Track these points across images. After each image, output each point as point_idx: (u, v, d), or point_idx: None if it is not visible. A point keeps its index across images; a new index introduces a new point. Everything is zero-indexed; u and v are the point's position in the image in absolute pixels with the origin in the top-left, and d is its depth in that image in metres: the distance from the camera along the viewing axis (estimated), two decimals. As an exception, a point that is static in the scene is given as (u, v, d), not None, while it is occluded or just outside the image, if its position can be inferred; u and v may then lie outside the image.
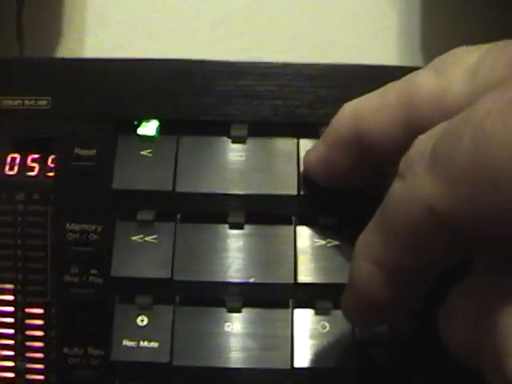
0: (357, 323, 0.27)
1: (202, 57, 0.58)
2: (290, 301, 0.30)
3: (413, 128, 0.24)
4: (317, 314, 0.30)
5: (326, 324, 0.30)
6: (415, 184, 0.20)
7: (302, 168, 0.30)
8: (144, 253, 0.30)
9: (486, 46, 0.23)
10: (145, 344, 0.30)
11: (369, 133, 0.25)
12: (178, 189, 0.29)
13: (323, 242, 0.30)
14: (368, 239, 0.23)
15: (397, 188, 0.21)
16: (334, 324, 0.30)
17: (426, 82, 0.23)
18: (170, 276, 0.29)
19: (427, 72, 0.24)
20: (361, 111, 0.26)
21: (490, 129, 0.17)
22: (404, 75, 0.29)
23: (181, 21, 0.61)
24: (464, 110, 0.20)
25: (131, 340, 0.30)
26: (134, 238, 0.30)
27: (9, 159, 0.31)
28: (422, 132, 0.23)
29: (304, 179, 0.30)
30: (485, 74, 0.22)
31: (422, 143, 0.21)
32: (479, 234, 0.20)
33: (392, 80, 0.29)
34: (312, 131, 0.30)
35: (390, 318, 0.25)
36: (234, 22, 0.61)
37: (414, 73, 0.25)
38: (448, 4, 0.61)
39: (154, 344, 0.30)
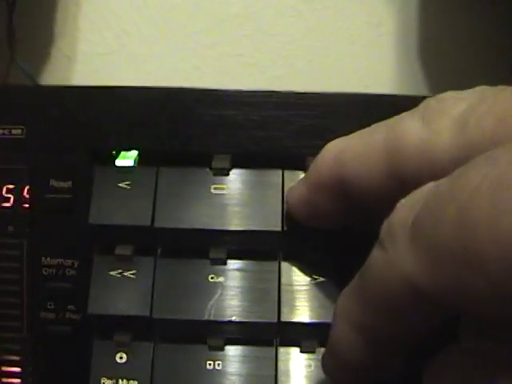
0: (336, 381, 0.25)
1: (197, 62, 0.56)
2: (274, 339, 0.28)
3: (398, 176, 0.22)
4: (302, 352, 0.28)
5: (312, 363, 0.28)
6: (395, 255, 0.19)
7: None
8: (122, 288, 0.28)
9: (477, 91, 0.21)
10: (124, 382, 0.28)
11: (352, 178, 0.24)
12: (157, 224, 0.27)
13: (308, 279, 0.28)
14: (347, 302, 0.22)
15: (377, 257, 0.20)
16: (320, 362, 0.28)
17: (413, 131, 0.22)
18: (149, 314, 0.27)
19: (414, 118, 0.22)
20: (344, 155, 0.24)
21: (477, 209, 0.16)
22: (393, 104, 0.27)
23: (174, 25, 0.58)
24: (449, 175, 0.18)
25: (110, 378, 0.28)
26: (111, 272, 0.28)
27: (-17, 190, 0.29)
28: (408, 181, 0.21)
29: (289, 213, 0.28)
30: (474, 128, 0.20)
31: (404, 211, 0.19)
32: (462, 310, 0.18)
33: (380, 109, 0.27)
34: (297, 162, 0.28)
35: (369, 381, 0.23)
36: (229, 28, 0.58)
37: (401, 116, 0.23)
38: (446, 8, 0.59)
39: (133, 382, 0.28)
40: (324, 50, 0.59)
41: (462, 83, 0.53)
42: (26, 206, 0.29)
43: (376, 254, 0.20)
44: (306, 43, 0.59)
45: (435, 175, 0.20)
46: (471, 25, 0.59)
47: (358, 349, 0.21)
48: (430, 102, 0.22)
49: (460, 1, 0.59)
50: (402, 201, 0.20)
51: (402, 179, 0.22)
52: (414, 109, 0.23)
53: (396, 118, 0.23)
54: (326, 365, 0.24)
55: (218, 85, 0.56)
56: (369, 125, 0.27)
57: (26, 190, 0.29)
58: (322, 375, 0.28)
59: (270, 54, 0.59)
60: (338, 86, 0.59)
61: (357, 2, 0.59)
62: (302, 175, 0.28)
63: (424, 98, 0.27)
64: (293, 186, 0.27)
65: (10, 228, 0.29)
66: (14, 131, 0.28)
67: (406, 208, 0.20)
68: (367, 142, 0.23)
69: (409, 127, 0.22)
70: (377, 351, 0.21)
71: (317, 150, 0.27)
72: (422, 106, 0.23)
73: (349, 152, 0.24)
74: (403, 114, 0.23)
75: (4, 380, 0.29)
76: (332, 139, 0.27)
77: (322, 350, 0.28)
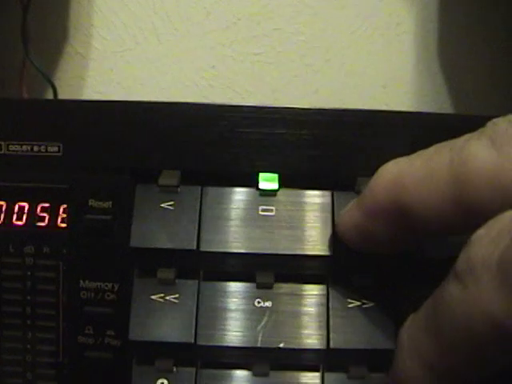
0: None
1: (213, 61, 0.54)
2: (321, 364, 0.27)
3: (465, 202, 0.20)
4: (349, 378, 0.27)
5: (360, 389, 0.27)
6: (479, 295, 0.18)
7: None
8: (165, 313, 0.26)
9: None
10: (165, 410, 0.26)
11: (413, 205, 0.22)
12: (203, 247, 0.26)
13: (358, 303, 0.27)
14: (417, 338, 0.21)
15: (455, 293, 0.19)
16: (369, 390, 0.26)
17: (482, 155, 0.20)
18: (193, 341, 0.26)
19: (482, 141, 0.20)
20: (403, 179, 0.22)
21: None
22: (447, 123, 0.26)
23: (190, 23, 0.57)
24: None
25: (150, 405, 0.26)
26: (153, 297, 0.26)
27: (16, 208, 0.27)
28: (476, 208, 0.20)
29: (339, 238, 0.26)
30: None
31: (485, 246, 0.18)
32: None
33: (435, 128, 0.26)
34: (348, 183, 0.26)
35: None
36: (245, 26, 0.57)
37: (466, 139, 0.21)
38: (464, 8, 0.57)
39: (175, 410, 0.26)
40: (342, 49, 0.57)
41: (482, 83, 0.52)
42: (63, 225, 0.27)
43: (453, 290, 0.19)
44: (324, 42, 0.57)
45: (509, 202, 0.19)
46: (490, 24, 0.57)
47: None
48: (500, 125, 0.21)
49: (478, 1, 0.57)
50: (480, 232, 0.19)
51: (469, 206, 0.20)
52: (480, 130, 0.21)
53: (460, 140, 0.21)
54: None
55: (233, 84, 0.55)
56: (422, 145, 0.25)
57: (62, 209, 0.27)
58: (371, 402, 0.26)
59: (288, 53, 0.57)
60: (356, 85, 0.57)
61: (376, 2, 0.57)
62: (352, 196, 0.26)
63: (479, 117, 0.25)
64: (344, 210, 0.25)
65: (46, 249, 0.27)
66: (50, 148, 0.26)
67: (487, 241, 0.18)
68: (430, 165, 0.22)
69: (477, 151, 0.20)
70: None
71: (368, 170, 0.26)
72: (489, 127, 0.21)
73: (409, 176, 0.22)
74: (468, 136, 0.21)
75: (39, 406, 0.28)
76: (384, 159, 0.25)
77: (372, 376, 0.26)
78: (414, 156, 0.23)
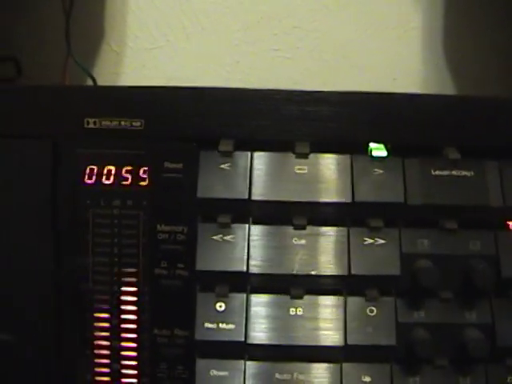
0: None
1: (237, 57, 0.66)
2: (344, 289, 0.39)
3: None
4: (366, 300, 0.38)
5: (374, 309, 0.38)
6: None
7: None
8: (223, 250, 0.38)
9: None
10: (223, 326, 0.38)
11: None
12: (253, 197, 0.38)
13: (371, 241, 0.38)
14: None
15: None
16: (381, 309, 0.38)
17: None
18: (245, 270, 0.38)
19: None
20: None
21: None
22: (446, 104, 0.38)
23: (216, 23, 0.68)
24: None
25: (211, 322, 0.38)
26: (214, 237, 0.38)
27: (105, 171, 0.39)
28: None
29: (357, 189, 0.38)
30: None
31: None
32: None
33: (433, 109, 0.38)
34: (363, 148, 0.38)
35: None
36: (267, 25, 0.68)
37: None
38: (469, 6, 0.69)
39: (231, 326, 0.38)
40: (356, 45, 0.69)
41: (484, 74, 0.63)
42: (143, 183, 0.39)
43: None
44: (339, 39, 0.69)
45: None
46: (492, 21, 0.69)
47: None
48: None
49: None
50: None
51: None
52: None
53: None
54: None
55: (256, 78, 0.67)
56: (422, 119, 0.37)
57: (142, 171, 0.39)
58: (383, 319, 0.38)
59: (306, 49, 0.69)
60: (369, 78, 0.69)
61: (386, 1, 0.68)
62: (366, 159, 0.38)
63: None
64: None
65: (129, 202, 0.39)
66: (134, 123, 0.38)
67: None
68: None
69: None
70: None
71: (379, 139, 0.38)
72: None
73: None
74: None
75: (123, 326, 0.39)
76: (389, 130, 0.37)
77: (383, 299, 0.38)
78: None
